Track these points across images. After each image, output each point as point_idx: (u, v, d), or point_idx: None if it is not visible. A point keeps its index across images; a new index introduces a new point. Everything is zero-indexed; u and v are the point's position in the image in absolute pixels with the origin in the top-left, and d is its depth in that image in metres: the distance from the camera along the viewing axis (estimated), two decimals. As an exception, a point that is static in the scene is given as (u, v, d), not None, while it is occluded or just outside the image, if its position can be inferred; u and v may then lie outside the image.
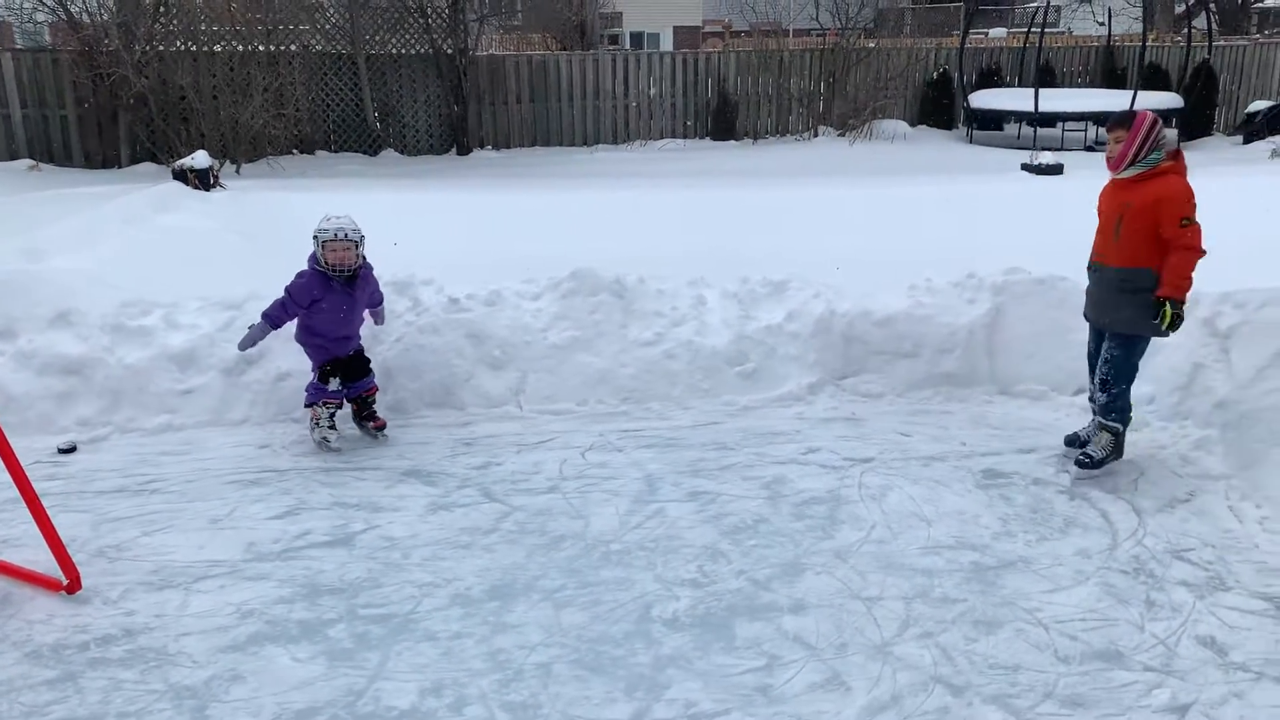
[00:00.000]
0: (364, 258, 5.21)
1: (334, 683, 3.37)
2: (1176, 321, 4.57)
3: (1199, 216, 4.60)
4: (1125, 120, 4.71)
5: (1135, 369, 4.82)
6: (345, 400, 5.34)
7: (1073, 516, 4.48)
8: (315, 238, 5.06)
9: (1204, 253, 4.57)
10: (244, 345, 5.28)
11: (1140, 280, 4.63)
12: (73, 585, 3.85)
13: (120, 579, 3.99)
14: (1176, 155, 4.72)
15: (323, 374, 5.21)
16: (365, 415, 5.39)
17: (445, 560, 4.15)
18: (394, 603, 3.84)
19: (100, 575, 3.99)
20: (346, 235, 5.02)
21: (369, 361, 5.44)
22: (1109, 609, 3.76)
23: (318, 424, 5.23)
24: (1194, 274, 4.58)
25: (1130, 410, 4.86)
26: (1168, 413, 5.30)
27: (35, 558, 3.98)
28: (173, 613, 3.76)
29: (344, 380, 5.27)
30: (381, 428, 5.38)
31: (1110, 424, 4.83)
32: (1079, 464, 4.82)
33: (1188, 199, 4.56)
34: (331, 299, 5.11)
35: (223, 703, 3.26)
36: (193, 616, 3.74)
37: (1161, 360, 5.40)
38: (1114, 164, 4.74)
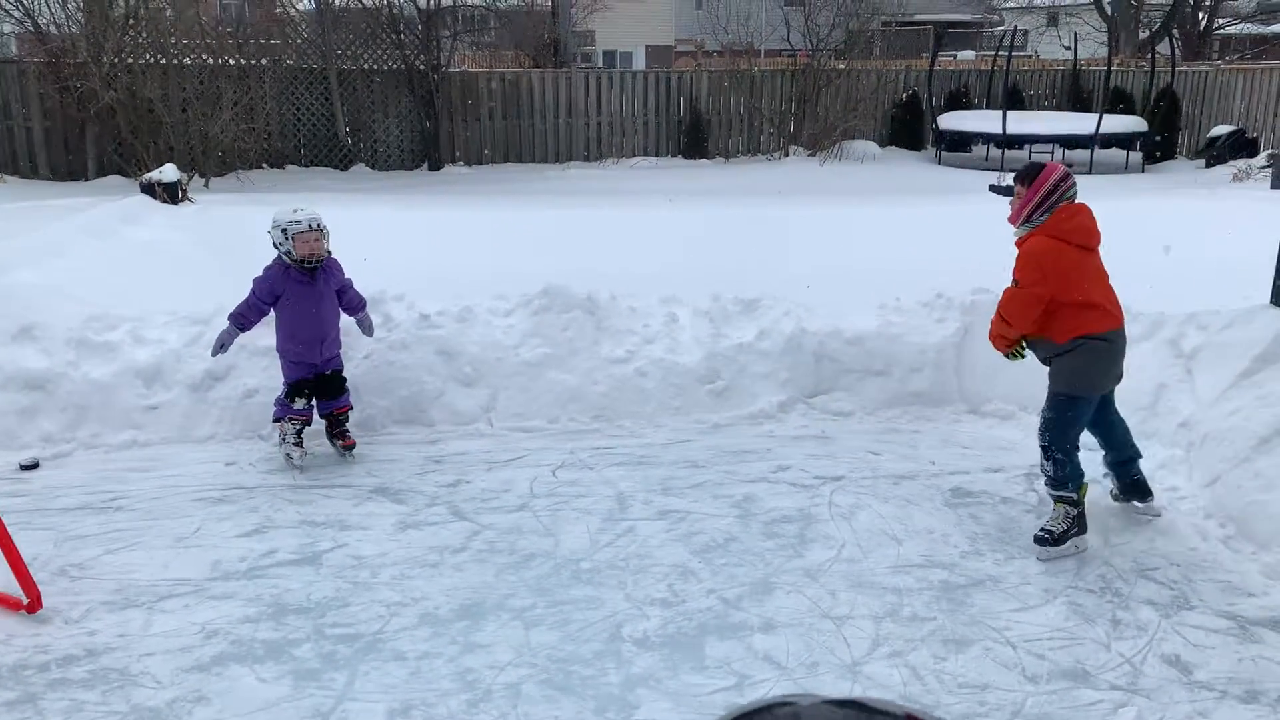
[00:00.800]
0: (329, 251, 5.22)
1: (300, 703, 3.33)
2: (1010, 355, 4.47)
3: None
4: (1028, 174, 4.33)
5: (1068, 431, 4.31)
6: (318, 416, 5.30)
7: (1040, 535, 4.51)
8: (284, 230, 5.00)
9: (1002, 324, 4.35)
10: (214, 351, 5.22)
11: (1033, 346, 4.42)
12: (33, 604, 3.79)
13: (82, 598, 3.93)
14: (1062, 212, 4.27)
15: (290, 391, 5.17)
16: (336, 433, 5.35)
17: (414, 579, 4.12)
18: (362, 622, 3.80)
19: (62, 594, 3.93)
20: (319, 225, 5.03)
21: (345, 381, 5.37)
22: (1076, 628, 3.79)
23: (284, 439, 5.18)
24: (1004, 334, 4.37)
25: (1079, 477, 4.33)
26: (1133, 433, 5.35)
27: (-5, 576, 3.92)
28: (136, 632, 3.71)
29: (318, 398, 5.23)
30: (351, 447, 5.33)
31: (1062, 495, 4.33)
32: (1037, 540, 4.29)
33: (1033, 260, 4.21)
34: (295, 290, 5.08)
35: (186, 724, 3.21)
36: (156, 636, 3.69)
37: (1126, 382, 5.46)
38: (1011, 218, 4.41)
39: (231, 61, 14.22)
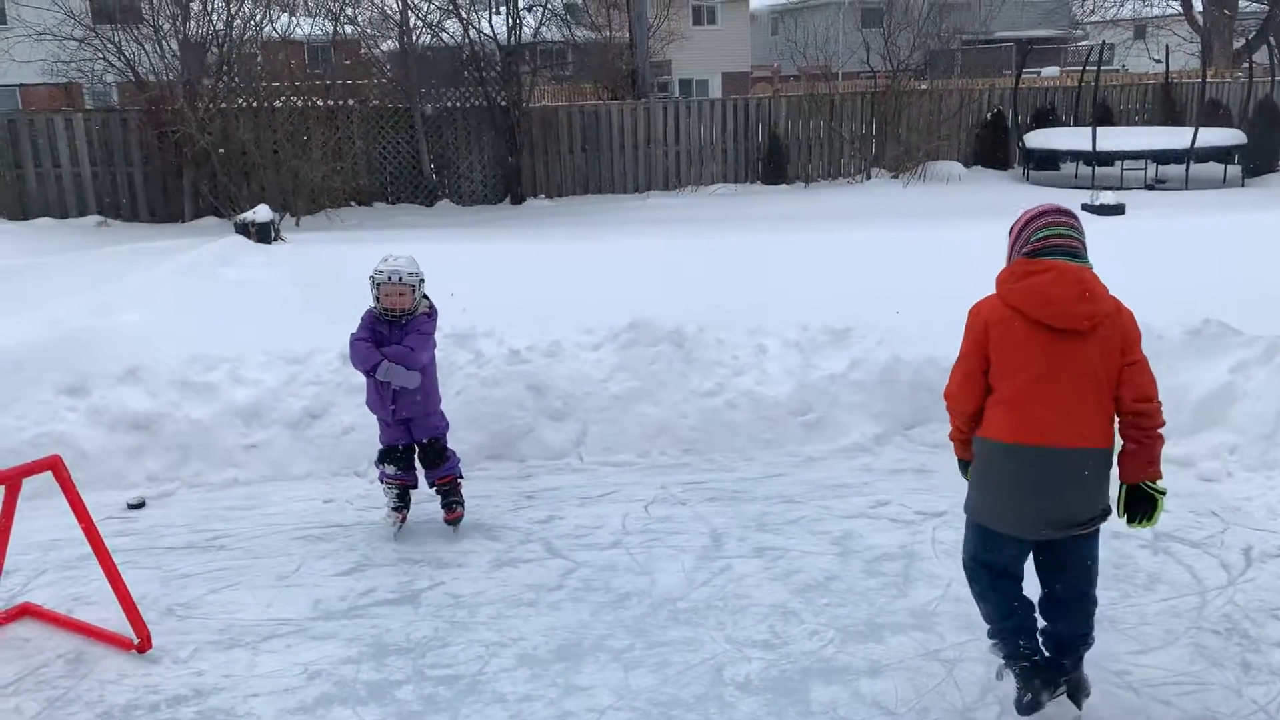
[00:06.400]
0: (431, 308, 4.81)
1: (403, 747, 3.31)
2: None
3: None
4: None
5: (969, 557, 3.37)
6: (425, 485, 4.96)
7: (1157, 572, 4.32)
8: (371, 279, 4.71)
9: (947, 401, 3.37)
10: (381, 375, 4.67)
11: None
12: (143, 644, 3.86)
13: (189, 638, 3.99)
14: (1017, 266, 3.21)
15: (380, 455, 4.92)
16: (442, 504, 4.96)
17: (511, 618, 4.10)
18: (461, 663, 3.79)
19: (170, 634, 4.00)
20: (401, 279, 4.63)
21: (444, 450, 4.92)
22: (1202, 672, 3.60)
23: (386, 503, 4.97)
24: (955, 437, 3.40)
25: (997, 624, 3.33)
26: (1254, 462, 5.11)
27: (107, 615, 4.00)
28: (241, 673, 3.75)
29: (422, 466, 4.92)
30: (453, 521, 4.92)
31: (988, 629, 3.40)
32: None
33: (968, 325, 3.29)
34: (376, 340, 4.71)
35: (292, 768, 3.22)
36: (261, 677, 3.72)
37: (1244, 409, 5.23)
38: None
39: (319, 103, 14.62)
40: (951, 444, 3.46)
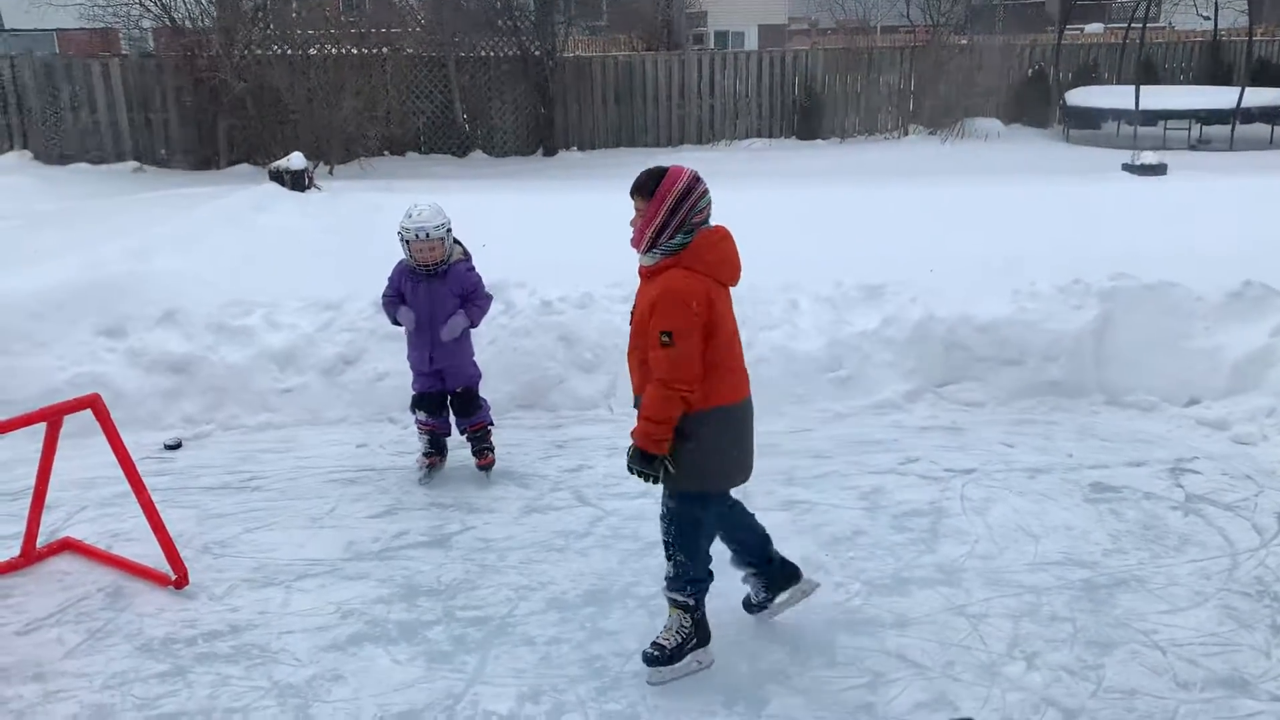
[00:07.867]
0: (466, 255, 4.88)
1: (433, 685, 3.38)
2: (643, 474, 3.24)
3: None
4: (646, 185, 3.24)
5: (698, 531, 3.38)
6: (456, 433, 5.04)
7: (1188, 534, 4.29)
8: (399, 233, 4.72)
9: (684, 392, 3.14)
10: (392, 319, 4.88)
11: None
12: (180, 580, 3.94)
13: (225, 575, 4.07)
14: (706, 239, 3.24)
15: (413, 401, 4.97)
16: (474, 450, 5.04)
17: (540, 563, 4.15)
18: (491, 605, 3.84)
19: (206, 571, 4.08)
20: (428, 235, 4.63)
21: (476, 398, 4.99)
22: (1231, 633, 3.59)
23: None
24: (673, 417, 3.17)
25: (704, 582, 3.46)
26: (1292, 426, 5.06)
27: (145, 552, 4.09)
28: (275, 610, 3.82)
29: (454, 413, 4.99)
30: (486, 467, 5.00)
31: (677, 599, 3.44)
32: (645, 659, 3.40)
33: (677, 305, 3.12)
34: (410, 291, 4.77)
35: (325, 703, 3.30)
36: (294, 615, 3.79)
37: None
38: (633, 242, 3.31)
39: (354, 51, 14.56)
40: (656, 444, 3.20)
